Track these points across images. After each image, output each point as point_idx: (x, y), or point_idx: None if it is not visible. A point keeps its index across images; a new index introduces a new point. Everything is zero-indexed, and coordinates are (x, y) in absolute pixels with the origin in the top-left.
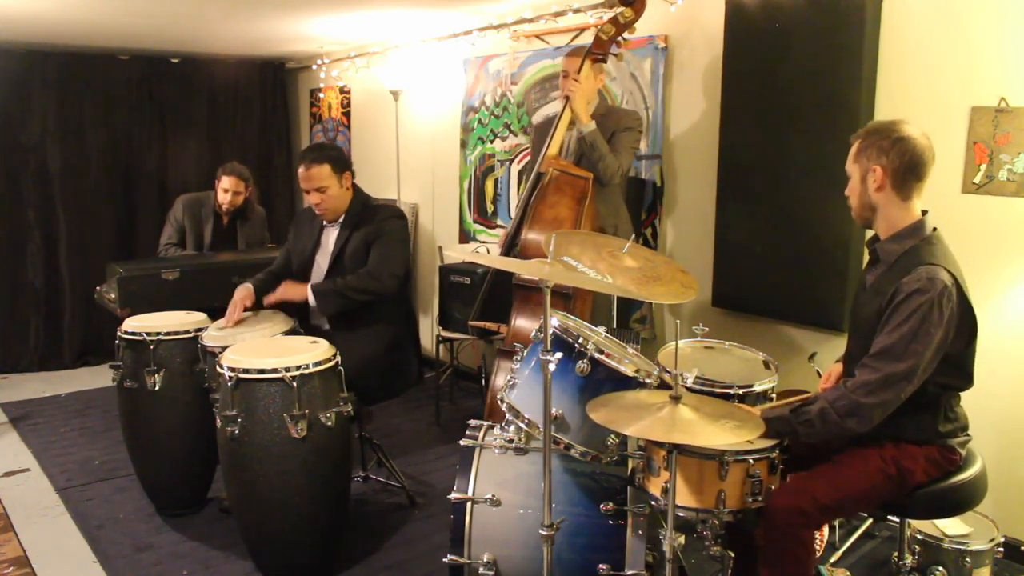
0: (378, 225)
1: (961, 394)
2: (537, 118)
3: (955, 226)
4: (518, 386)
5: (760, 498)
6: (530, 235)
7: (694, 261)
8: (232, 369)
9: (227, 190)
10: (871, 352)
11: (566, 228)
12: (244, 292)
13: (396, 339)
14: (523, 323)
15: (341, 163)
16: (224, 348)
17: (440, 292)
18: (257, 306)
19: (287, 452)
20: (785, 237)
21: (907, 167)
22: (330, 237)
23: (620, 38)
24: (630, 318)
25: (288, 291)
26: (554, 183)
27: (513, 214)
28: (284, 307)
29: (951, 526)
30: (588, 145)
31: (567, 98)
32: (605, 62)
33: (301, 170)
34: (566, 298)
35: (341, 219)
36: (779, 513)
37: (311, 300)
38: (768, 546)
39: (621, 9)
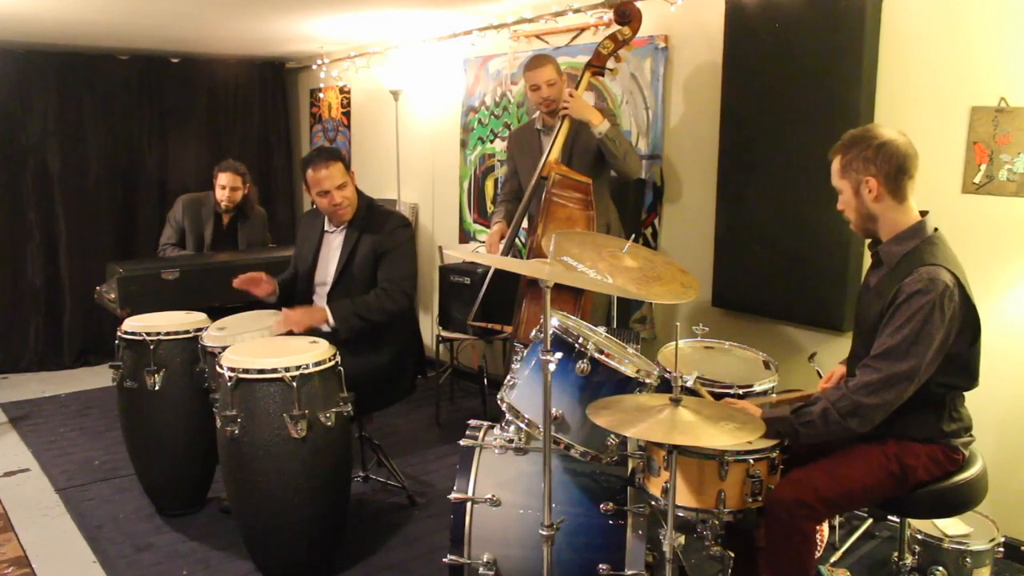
0: (388, 236)
1: (964, 394)
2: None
3: (955, 226)
4: (518, 386)
5: (760, 498)
6: (545, 236)
7: (694, 261)
8: (232, 369)
9: (224, 187)
10: (873, 353)
11: (580, 228)
12: (270, 284)
13: (398, 351)
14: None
15: (347, 163)
16: (224, 348)
17: (440, 292)
18: (275, 304)
19: (287, 452)
20: (785, 237)
21: (897, 170)
22: (333, 242)
23: (617, 53)
24: (630, 318)
25: (308, 317)
26: (558, 185)
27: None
28: (283, 306)
29: (951, 526)
30: (611, 142)
31: (565, 116)
32: (603, 75)
33: (320, 171)
34: (577, 293)
35: (346, 222)
36: (781, 505)
37: (331, 321)
38: (769, 539)
39: (620, 28)
